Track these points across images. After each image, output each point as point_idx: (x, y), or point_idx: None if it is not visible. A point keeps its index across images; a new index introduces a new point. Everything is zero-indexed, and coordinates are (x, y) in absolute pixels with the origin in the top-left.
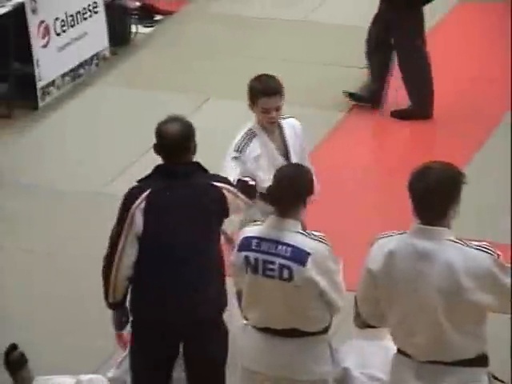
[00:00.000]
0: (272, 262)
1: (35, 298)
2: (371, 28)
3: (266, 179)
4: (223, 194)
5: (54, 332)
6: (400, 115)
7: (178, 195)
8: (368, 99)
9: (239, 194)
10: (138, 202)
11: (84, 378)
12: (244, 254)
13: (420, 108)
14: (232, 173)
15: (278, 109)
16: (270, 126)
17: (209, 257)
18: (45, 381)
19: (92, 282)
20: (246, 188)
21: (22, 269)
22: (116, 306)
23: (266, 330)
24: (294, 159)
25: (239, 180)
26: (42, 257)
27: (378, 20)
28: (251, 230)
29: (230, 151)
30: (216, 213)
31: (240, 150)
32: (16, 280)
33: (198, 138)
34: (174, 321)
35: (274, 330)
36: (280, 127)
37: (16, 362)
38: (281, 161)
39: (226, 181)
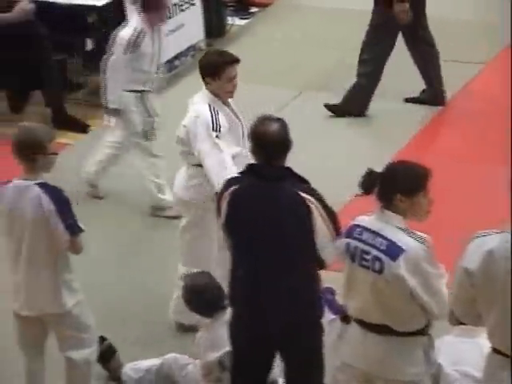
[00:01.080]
0: (368, 253)
1: None
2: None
3: (235, 153)
4: (308, 207)
5: None
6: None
7: (262, 198)
8: (432, 102)
9: (324, 211)
10: (226, 195)
11: (169, 356)
12: (347, 240)
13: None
14: (227, 158)
15: (235, 77)
16: (230, 96)
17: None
18: (133, 365)
19: None
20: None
21: None
22: None
23: (361, 324)
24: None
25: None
26: None
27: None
28: (361, 219)
29: (207, 132)
30: (296, 222)
31: (217, 128)
32: None
33: (292, 132)
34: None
35: (368, 325)
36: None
37: (105, 352)
38: (241, 132)
39: (313, 193)
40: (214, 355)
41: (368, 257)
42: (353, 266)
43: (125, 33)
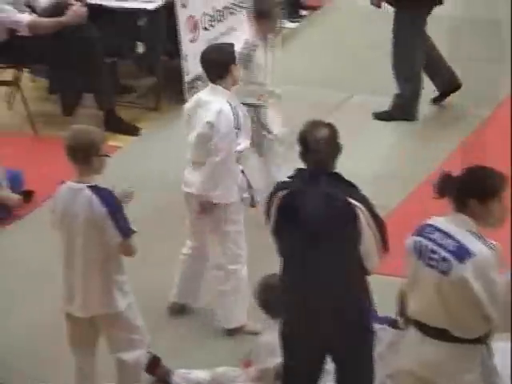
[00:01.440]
0: (436, 252)
1: None
2: None
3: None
4: (355, 213)
5: None
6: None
7: (310, 203)
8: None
9: (371, 219)
10: (274, 199)
11: (219, 370)
12: (416, 238)
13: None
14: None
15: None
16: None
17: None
18: (183, 374)
19: None
20: None
21: None
22: None
23: (420, 327)
24: None
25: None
26: None
27: None
28: (434, 219)
29: (228, 129)
30: (343, 229)
31: (239, 125)
32: None
33: (341, 136)
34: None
35: (427, 328)
36: None
37: (150, 361)
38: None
39: (362, 199)
40: (273, 361)
41: (435, 256)
42: (418, 263)
43: (237, 45)
